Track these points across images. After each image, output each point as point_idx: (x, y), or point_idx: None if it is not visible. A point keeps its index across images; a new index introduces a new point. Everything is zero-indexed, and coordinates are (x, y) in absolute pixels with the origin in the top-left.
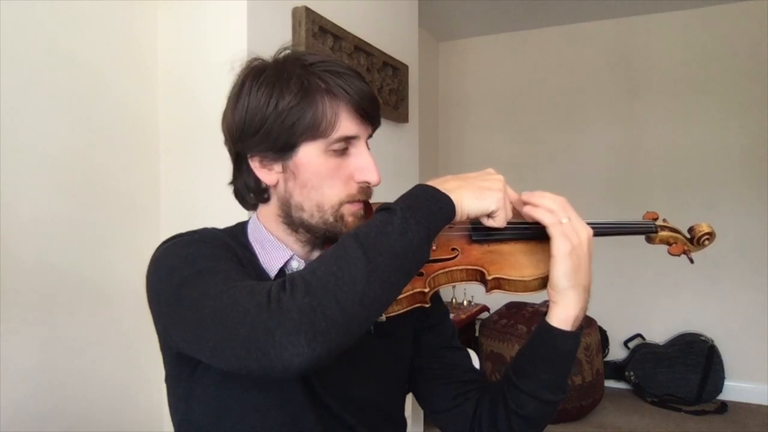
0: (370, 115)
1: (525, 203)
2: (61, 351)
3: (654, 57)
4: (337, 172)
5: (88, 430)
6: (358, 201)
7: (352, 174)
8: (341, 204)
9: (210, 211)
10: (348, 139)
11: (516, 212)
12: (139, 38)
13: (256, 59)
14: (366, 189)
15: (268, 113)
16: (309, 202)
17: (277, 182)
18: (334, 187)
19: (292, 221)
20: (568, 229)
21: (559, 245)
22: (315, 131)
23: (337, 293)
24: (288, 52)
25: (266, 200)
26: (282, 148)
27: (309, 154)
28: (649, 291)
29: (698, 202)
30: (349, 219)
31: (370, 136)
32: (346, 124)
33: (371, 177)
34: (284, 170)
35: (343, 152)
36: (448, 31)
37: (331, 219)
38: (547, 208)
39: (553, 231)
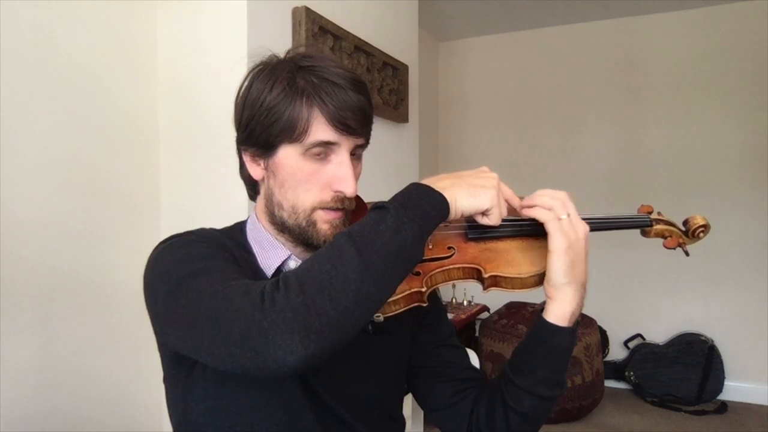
0: (350, 126)
1: (523, 207)
2: (61, 351)
3: (654, 57)
4: (313, 177)
5: (88, 430)
6: (335, 209)
7: (329, 181)
8: (314, 209)
9: (210, 211)
10: (326, 145)
11: (511, 209)
12: (139, 39)
13: (271, 56)
14: (342, 199)
15: (255, 110)
16: (286, 202)
17: (263, 178)
18: (308, 192)
19: (275, 220)
20: (566, 226)
21: (556, 241)
22: (290, 134)
23: (331, 292)
24: (295, 51)
25: (258, 193)
26: (264, 145)
27: (287, 156)
28: (649, 291)
29: (698, 202)
30: (323, 226)
31: (362, 147)
32: (321, 130)
33: (346, 188)
34: (267, 167)
35: (323, 158)
36: (448, 31)
37: (303, 223)
38: (545, 205)
39: (551, 227)
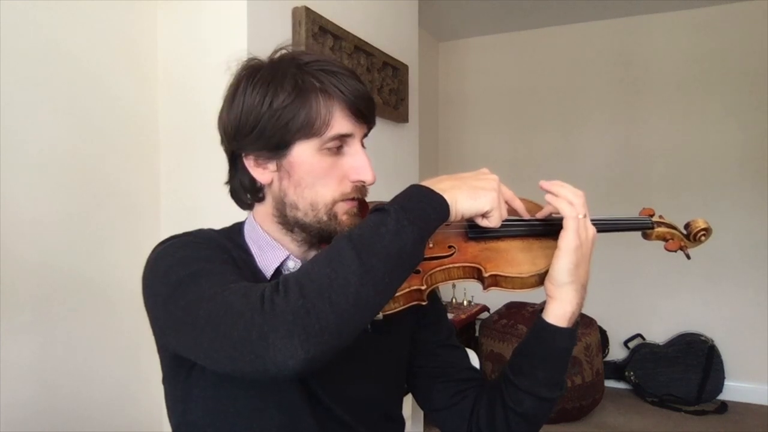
0: (364, 114)
1: (545, 191)
2: (61, 351)
3: (654, 57)
4: (331, 170)
5: (88, 430)
6: (352, 199)
7: (347, 173)
8: (335, 203)
9: (210, 211)
10: (342, 138)
11: (511, 210)
12: (139, 38)
13: (252, 59)
14: (361, 188)
15: (263, 112)
16: (303, 201)
17: (272, 181)
18: (327, 186)
19: (286, 220)
20: (581, 225)
21: (569, 238)
22: (309, 130)
23: (331, 295)
24: (284, 51)
25: (261, 199)
26: (276, 146)
27: (303, 153)
28: (649, 291)
29: (698, 202)
30: (344, 218)
31: (366, 135)
32: (340, 122)
33: (366, 176)
34: (278, 169)
35: (337, 151)
36: (448, 31)
37: (324, 218)
38: (568, 200)
39: (569, 224)
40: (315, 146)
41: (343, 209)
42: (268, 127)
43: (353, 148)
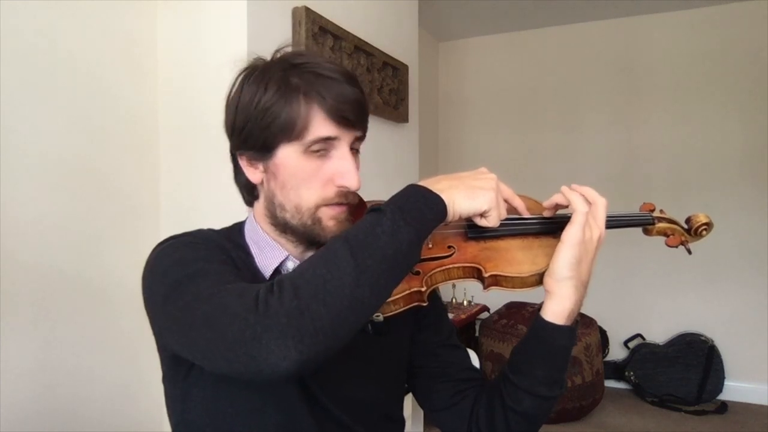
0: (349, 119)
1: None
2: (61, 351)
3: (654, 57)
4: (315, 174)
5: (88, 430)
6: (339, 204)
7: (332, 177)
8: (317, 207)
9: (210, 211)
10: (326, 141)
11: (511, 209)
12: (139, 38)
13: (257, 59)
14: (346, 193)
15: (251, 112)
16: (289, 203)
17: (262, 181)
18: (311, 189)
19: (278, 221)
20: (588, 222)
21: (573, 232)
22: (290, 133)
23: (326, 296)
24: (284, 50)
25: (256, 198)
26: (262, 147)
27: (287, 156)
28: (649, 291)
29: (698, 202)
30: (329, 223)
31: (360, 140)
32: (321, 125)
33: (350, 182)
34: (266, 170)
35: (324, 154)
36: (448, 31)
37: (308, 222)
38: (591, 198)
39: (576, 218)
40: (299, 149)
41: (328, 215)
42: (255, 128)
43: (340, 152)
